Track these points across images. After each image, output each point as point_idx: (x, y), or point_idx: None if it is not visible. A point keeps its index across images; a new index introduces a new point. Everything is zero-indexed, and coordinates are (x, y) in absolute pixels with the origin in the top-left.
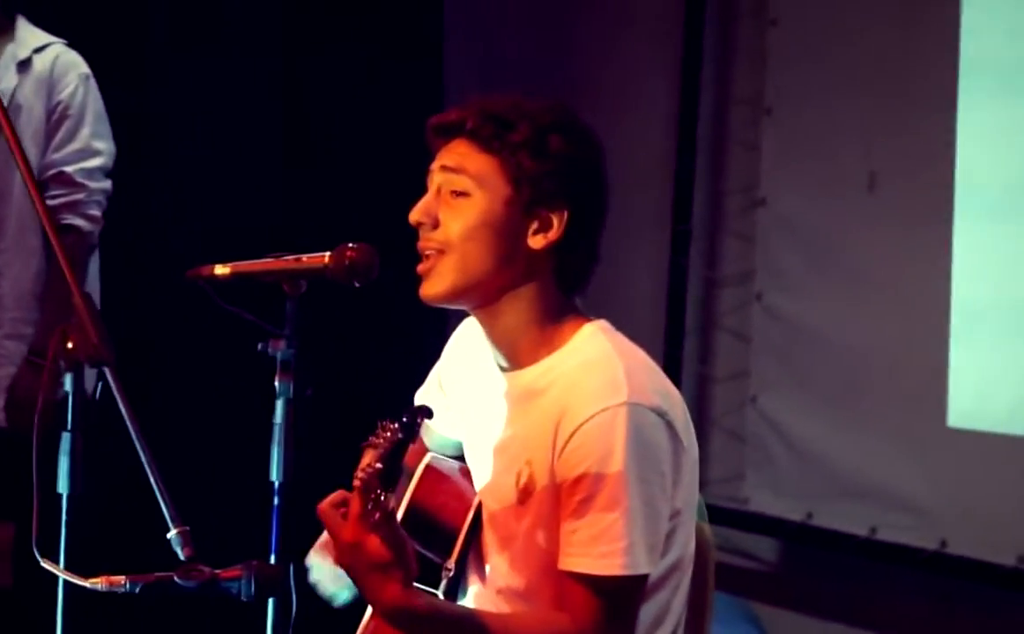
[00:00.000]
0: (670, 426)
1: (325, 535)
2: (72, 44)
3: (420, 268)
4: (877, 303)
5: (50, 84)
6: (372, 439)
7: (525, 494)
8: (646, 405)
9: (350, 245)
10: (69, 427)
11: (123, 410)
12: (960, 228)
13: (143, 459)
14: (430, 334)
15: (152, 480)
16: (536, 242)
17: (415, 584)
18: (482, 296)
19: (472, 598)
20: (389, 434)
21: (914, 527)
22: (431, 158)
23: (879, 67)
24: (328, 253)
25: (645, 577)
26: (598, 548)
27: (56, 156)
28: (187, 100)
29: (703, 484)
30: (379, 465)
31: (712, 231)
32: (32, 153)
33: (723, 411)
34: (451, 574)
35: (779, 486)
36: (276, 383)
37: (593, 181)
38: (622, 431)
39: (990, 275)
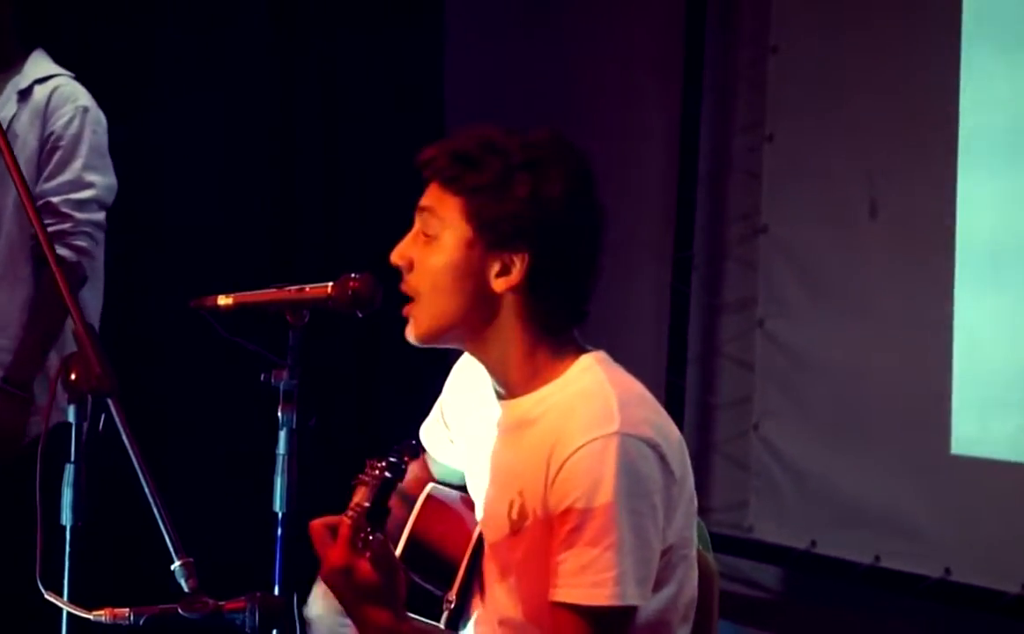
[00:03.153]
0: (662, 458)
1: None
2: (79, 77)
3: (403, 311)
4: (879, 330)
5: (45, 114)
6: (361, 476)
7: (517, 524)
8: (638, 436)
9: (353, 275)
10: (72, 458)
11: (126, 441)
12: (962, 254)
13: (146, 490)
14: (434, 362)
15: (156, 511)
16: (498, 285)
17: (416, 616)
18: (461, 335)
19: (473, 627)
20: (377, 473)
21: (918, 555)
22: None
23: (880, 94)
24: (331, 283)
25: (635, 609)
26: (587, 578)
27: (45, 186)
28: (187, 133)
29: (706, 512)
30: (366, 504)
31: (714, 258)
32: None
33: (725, 438)
34: (452, 606)
35: (782, 514)
36: (279, 413)
37: (563, 225)
38: (612, 461)
39: (993, 301)
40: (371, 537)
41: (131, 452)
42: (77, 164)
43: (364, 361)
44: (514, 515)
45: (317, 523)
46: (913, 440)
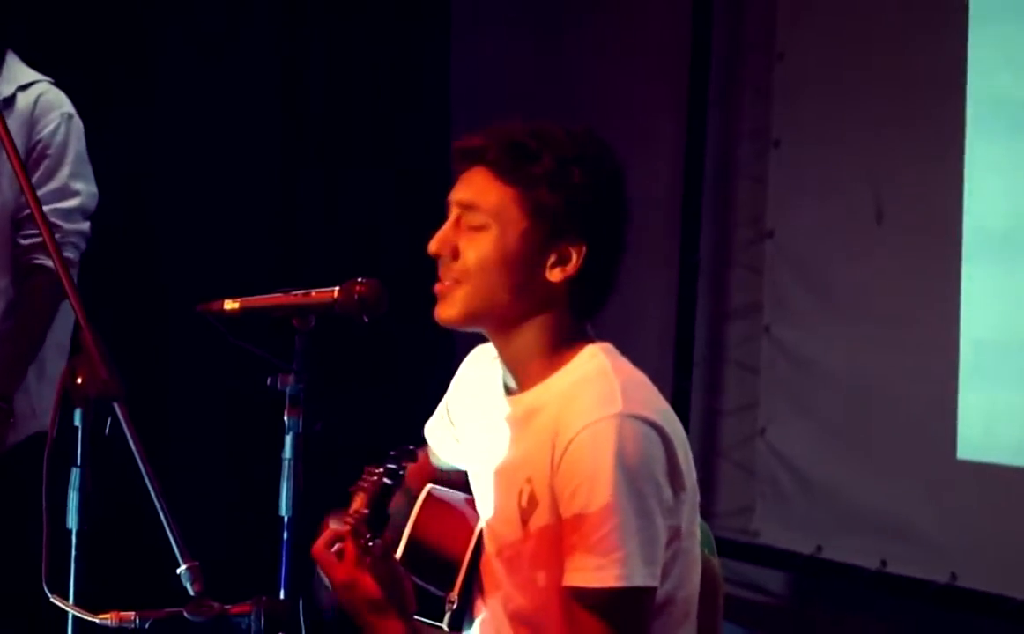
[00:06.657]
0: (665, 440)
1: None
2: (75, 79)
3: (437, 288)
4: (885, 335)
5: (31, 122)
6: (360, 483)
7: (527, 513)
8: (639, 416)
9: (359, 280)
10: (79, 463)
11: (132, 445)
12: (969, 260)
13: (152, 494)
14: (439, 366)
15: (161, 515)
16: (554, 275)
17: (418, 617)
18: (497, 323)
19: (479, 626)
20: (375, 479)
21: (924, 560)
22: (442, 194)
23: (886, 100)
24: (337, 288)
25: (649, 591)
26: (593, 561)
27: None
28: (192, 135)
29: (712, 516)
30: (366, 510)
31: (720, 264)
32: (9, 192)
33: (732, 443)
34: (455, 606)
35: (788, 519)
36: (285, 418)
37: (613, 214)
38: (612, 442)
39: (999, 306)
40: (371, 544)
41: (137, 456)
42: (64, 172)
43: (370, 366)
44: (524, 503)
45: (319, 548)
46: (919, 445)
